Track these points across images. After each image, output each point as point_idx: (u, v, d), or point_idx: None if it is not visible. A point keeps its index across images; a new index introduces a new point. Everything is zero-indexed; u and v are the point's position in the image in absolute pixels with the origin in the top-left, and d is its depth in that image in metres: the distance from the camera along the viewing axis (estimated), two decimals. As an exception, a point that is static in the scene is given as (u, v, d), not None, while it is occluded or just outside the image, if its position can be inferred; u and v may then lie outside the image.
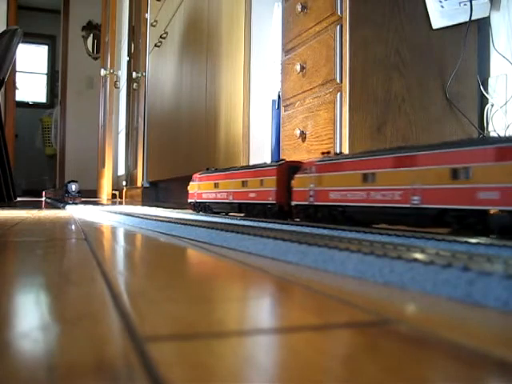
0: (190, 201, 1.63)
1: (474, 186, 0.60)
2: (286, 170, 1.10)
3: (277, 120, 1.73)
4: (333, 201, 0.91)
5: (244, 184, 1.25)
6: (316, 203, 0.96)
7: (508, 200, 0.56)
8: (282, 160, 1.15)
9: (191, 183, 1.62)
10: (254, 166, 1.24)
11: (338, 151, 1.25)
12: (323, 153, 1.03)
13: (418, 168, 0.69)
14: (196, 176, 1.59)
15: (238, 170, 1.31)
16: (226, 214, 1.39)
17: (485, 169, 0.59)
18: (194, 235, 0.76)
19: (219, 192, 1.38)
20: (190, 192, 1.63)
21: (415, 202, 0.69)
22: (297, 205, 1.03)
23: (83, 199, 3.13)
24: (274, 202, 1.10)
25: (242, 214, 1.29)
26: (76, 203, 2.76)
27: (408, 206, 0.70)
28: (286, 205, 1.08)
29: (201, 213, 1.53)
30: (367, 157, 0.81)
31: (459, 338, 0.25)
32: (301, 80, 1.45)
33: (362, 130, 1.26)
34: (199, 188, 1.55)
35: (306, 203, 0.99)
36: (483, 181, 0.59)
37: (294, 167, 1.08)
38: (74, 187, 2.98)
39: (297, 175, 1.04)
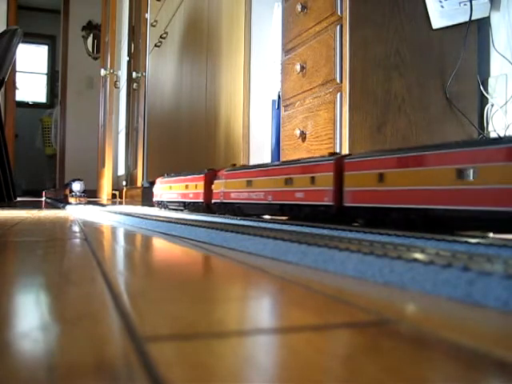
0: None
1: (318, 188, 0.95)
2: (210, 177, 1.53)
3: (277, 120, 1.73)
4: (233, 199, 1.31)
5: (187, 187, 1.68)
6: (225, 201, 1.36)
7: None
8: (211, 169, 1.58)
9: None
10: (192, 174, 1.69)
11: (337, 151, 1.25)
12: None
13: (272, 177, 1.12)
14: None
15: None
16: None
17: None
18: (194, 235, 0.76)
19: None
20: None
21: (269, 199, 1.12)
22: (215, 202, 1.45)
23: (89, 199, 2.89)
24: (202, 200, 1.56)
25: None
26: (81, 204, 2.52)
27: (265, 202, 1.14)
28: (209, 202, 1.52)
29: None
30: (249, 169, 1.26)
31: (459, 338, 0.25)
32: (301, 80, 1.45)
33: (362, 130, 1.26)
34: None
35: (219, 201, 1.40)
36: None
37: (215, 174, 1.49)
38: (78, 186, 2.72)
39: (215, 180, 1.46)
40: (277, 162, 1.20)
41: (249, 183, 1.23)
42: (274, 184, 1.10)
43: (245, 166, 1.36)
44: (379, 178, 0.77)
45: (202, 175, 1.56)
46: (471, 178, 0.59)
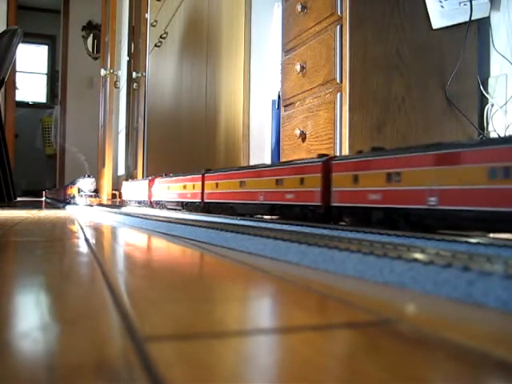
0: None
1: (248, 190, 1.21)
2: (153, 180, 2.06)
3: (277, 120, 1.73)
4: (164, 197, 1.91)
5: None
6: (161, 200, 1.92)
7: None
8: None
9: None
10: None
11: (337, 151, 1.25)
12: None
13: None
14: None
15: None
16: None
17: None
18: (194, 235, 0.76)
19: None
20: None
21: (188, 197, 1.50)
22: (155, 200, 2.04)
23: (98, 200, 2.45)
24: (145, 199, 2.08)
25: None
26: (91, 206, 2.10)
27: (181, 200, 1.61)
28: (151, 201, 2.07)
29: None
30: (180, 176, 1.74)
31: (459, 338, 0.25)
32: (301, 80, 1.45)
33: (362, 130, 1.26)
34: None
35: (158, 200, 1.95)
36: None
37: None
38: (88, 184, 2.29)
39: (156, 183, 2.05)
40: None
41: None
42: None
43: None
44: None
45: (148, 179, 1.84)
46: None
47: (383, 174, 0.74)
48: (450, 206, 0.62)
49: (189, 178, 1.63)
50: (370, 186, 0.77)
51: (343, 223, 0.87)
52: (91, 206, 2.18)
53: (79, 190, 2.33)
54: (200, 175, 1.51)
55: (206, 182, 1.44)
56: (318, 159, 0.94)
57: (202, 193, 1.50)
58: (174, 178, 1.84)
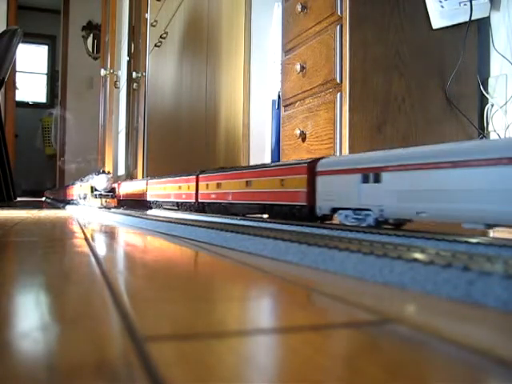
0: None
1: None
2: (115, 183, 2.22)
3: (277, 120, 1.73)
4: (125, 196, 2.31)
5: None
6: (157, 200, 1.97)
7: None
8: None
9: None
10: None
11: (337, 151, 1.25)
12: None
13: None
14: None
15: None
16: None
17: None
18: (194, 235, 0.76)
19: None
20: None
21: (183, 197, 1.65)
22: (121, 199, 2.40)
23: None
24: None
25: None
26: (109, 208, 1.81)
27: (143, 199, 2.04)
28: (118, 200, 2.14)
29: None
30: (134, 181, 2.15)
31: (459, 338, 0.25)
32: (301, 80, 1.45)
33: (362, 130, 1.26)
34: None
35: (154, 200, 2.03)
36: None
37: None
38: (104, 182, 1.85)
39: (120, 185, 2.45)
40: (248, 166, 1.59)
41: (218, 185, 1.40)
42: (238, 186, 1.26)
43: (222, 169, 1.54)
44: (122, 188, 1.84)
45: (193, 176, 1.60)
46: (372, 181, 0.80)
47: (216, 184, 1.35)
48: (236, 200, 1.22)
49: (184, 178, 1.68)
50: (220, 189, 1.33)
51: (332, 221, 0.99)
52: (108, 208, 1.84)
53: (93, 189, 1.88)
54: (194, 176, 1.57)
55: (200, 183, 1.55)
56: (195, 173, 1.55)
57: (197, 193, 1.57)
58: (167, 179, 1.84)
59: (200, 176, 1.52)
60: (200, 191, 1.52)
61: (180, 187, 1.70)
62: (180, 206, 1.70)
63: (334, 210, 0.87)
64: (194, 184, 1.55)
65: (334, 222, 0.91)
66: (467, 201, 0.60)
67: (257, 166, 1.20)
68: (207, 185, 1.46)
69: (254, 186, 1.15)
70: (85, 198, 2.09)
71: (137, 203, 2.20)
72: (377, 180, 0.74)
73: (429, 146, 0.69)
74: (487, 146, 0.59)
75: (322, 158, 0.94)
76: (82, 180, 2.28)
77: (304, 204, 0.95)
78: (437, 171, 0.64)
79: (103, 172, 1.96)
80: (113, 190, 1.94)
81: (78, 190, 2.34)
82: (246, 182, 1.19)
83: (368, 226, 0.76)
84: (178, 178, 1.73)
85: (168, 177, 1.85)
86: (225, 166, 1.58)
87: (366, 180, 0.77)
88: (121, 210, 1.74)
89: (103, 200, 1.88)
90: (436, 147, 0.67)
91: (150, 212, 1.65)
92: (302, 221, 0.93)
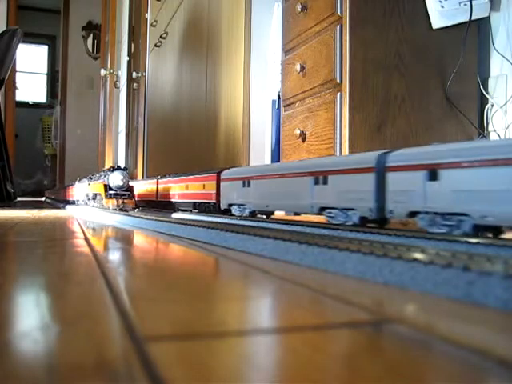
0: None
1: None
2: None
3: (277, 120, 1.73)
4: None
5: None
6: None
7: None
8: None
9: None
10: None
11: (337, 151, 1.26)
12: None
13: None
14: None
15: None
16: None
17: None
18: (194, 235, 0.76)
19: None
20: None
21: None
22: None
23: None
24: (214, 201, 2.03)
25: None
26: (126, 210, 1.53)
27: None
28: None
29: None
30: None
31: (459, 338, 0.25)
32: (301, 80, 1.45)
33: (362, 130, 1.26)
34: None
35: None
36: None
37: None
38: (119, 179, 1.57)
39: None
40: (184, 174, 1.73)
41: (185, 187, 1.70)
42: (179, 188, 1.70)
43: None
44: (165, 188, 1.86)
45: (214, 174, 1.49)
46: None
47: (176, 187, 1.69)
48: (179, 199, 1.60)
49: (203, 177, 1.69)
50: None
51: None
52: (125, 210, 1.55)
53: (107, 188, 1.59)
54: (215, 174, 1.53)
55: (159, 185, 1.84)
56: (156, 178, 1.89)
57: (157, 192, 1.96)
58: (182, 178, 1.75)
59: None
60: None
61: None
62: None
63: (230, 205, 1.24)
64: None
65: (231, 214, 1.23)
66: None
67: (191, 173, 1.59)
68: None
69: (190, 189, 1.57)
70: (94, 198, 1.85)
71: (146, 204, 2.16)
72: (249, 185, 1.13)
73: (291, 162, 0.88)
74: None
75: (225, 168, 1.32)
76: (90, 178, 2.01)
77: (214, 202, 1.34)
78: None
79: (118, 168, 1.64)
80: (130, 188, 1.64)
81: (85, 189, 2.11)
82: (186, 185, 1.62)
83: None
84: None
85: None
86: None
87: (244, 185, 1.14)
88: (141, 214, 1.41)
89: (119, 201, 1.58)
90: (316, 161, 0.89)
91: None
92: (214, 213, 1.30)
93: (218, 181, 1.30)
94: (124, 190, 1.62)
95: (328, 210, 0.87)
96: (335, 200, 0.84)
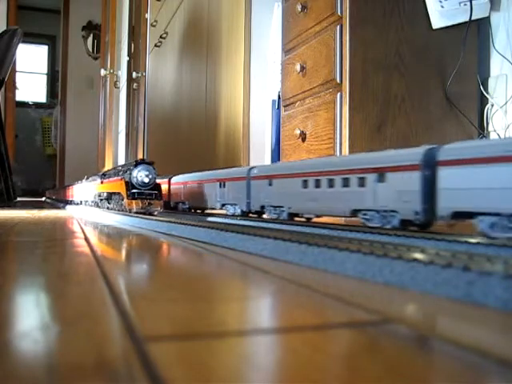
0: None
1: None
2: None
3: (277, 120, 1.73)
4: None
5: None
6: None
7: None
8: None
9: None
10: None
11: (337, 151, 1.25)
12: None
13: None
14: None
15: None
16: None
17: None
18: (194, 235, 0.76)
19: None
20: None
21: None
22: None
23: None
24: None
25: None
26: (151, 212, 1.26)
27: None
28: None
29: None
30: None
31: (459, 338, 0.25)
32: (301, 80, 1.45)
33: (362, 130, 1.26)
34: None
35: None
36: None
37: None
38: (145, 175, 1.28)
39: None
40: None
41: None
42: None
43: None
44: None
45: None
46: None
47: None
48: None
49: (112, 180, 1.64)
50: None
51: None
52: (151, 213, 1.27)
53: (129, 187, 1.30)
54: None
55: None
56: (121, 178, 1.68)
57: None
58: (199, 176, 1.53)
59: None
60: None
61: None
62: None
63: (177, 203, 1.57)
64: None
65: (179, 209, 1.52)
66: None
67: (164, 176, 1.73)
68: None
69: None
70: (109, 199, 1.60)
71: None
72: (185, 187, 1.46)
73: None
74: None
75: (175, 175, 1.62)
76: (104, 175, 1.73)
77: (168, 200, 1.64)
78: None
79: (143, 162, 1.34)
80: (157, 187, 1.32)
81: (95, 188, 1.85)
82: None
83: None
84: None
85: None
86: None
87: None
88: (172, 218, 1.06)
89: (145, 202, 1.29)
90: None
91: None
92: (167, 209, 1.58)
93: (169, 184, 1.34)
94: (150, 189, 1.31)
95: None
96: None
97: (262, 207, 1.07)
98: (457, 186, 0.63)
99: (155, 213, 1.29)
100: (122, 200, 1.36)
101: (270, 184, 1.05)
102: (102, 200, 1.72)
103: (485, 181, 0.58)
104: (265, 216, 1.09)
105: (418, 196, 0.67)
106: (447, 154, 0.64)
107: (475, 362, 0.22)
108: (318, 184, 0.88)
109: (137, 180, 1.30)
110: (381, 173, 0.75)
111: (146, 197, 1.29)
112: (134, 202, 1.28)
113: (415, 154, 0.69)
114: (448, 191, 0.64)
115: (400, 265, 0.40)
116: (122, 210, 1.36)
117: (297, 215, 1.00)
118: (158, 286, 0.40)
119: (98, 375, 0.20)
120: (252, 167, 1.14)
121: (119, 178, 1.41)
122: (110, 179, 1.58)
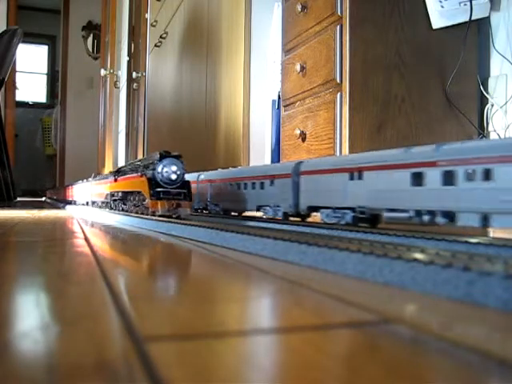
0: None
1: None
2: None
3: (277, 120, 1.73)
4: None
5: None
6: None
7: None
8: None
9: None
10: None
11: (337, 151, 1.25)
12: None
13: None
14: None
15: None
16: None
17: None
18: (194, 235, 0.76)
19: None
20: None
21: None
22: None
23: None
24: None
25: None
26: (178, 215, 1.06)
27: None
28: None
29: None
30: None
31: (459, 338, 0.25)
32: (301, 80, 1.45)
33: (362, 130, 1.26)
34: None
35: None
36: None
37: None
38: (173, 171, 1.09)
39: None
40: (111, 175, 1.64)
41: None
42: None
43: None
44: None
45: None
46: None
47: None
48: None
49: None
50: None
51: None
52: (179, 217, 1.07)
53: (154, 185, 1.09)
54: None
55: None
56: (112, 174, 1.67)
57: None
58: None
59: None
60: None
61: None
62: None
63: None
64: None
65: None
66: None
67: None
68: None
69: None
70: (124, 199, 1.40)
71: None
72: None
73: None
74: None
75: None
76: (118, 172, 1.52)
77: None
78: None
79: (167, 155, 1.17)
80: (185, 184, 1.12)
81: (107, 187, 1.63)
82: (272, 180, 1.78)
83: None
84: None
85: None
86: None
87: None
88: (209, 224, 0.86)
89: (172, 202, 1.07)
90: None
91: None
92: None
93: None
94: (178, 187, 1.10)
95: (263, 207, 0.98)
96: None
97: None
98: (309, 189, 0.91)
99: (185, 217, 1.06)
100: (144, 201, 1.16)
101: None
102: (115, 201, 1.52)
103: (323, 185, 0.86)
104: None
105: (291, 195, 0.96)
106: (305, 167, 0.93)
107: (475, 362, 0.22)
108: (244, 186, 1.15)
109: (162, 177, 1.11)
110: (272, 179, 1.03)
111: (173, 197, 1.09)
112: (159, 202, 1.07)
113: (289, 166, 0.97)
114: (305, 192, 0.93)
115: (400, 265, 0.40)
116: (143, 213, 1.18)
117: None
118: (158, 286, 0.40)
119: (98, 375, 0.20)
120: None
121: (139, 174, 1.21)
122: (127, 176, 1.37)
